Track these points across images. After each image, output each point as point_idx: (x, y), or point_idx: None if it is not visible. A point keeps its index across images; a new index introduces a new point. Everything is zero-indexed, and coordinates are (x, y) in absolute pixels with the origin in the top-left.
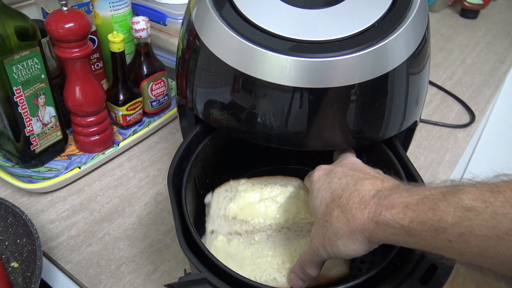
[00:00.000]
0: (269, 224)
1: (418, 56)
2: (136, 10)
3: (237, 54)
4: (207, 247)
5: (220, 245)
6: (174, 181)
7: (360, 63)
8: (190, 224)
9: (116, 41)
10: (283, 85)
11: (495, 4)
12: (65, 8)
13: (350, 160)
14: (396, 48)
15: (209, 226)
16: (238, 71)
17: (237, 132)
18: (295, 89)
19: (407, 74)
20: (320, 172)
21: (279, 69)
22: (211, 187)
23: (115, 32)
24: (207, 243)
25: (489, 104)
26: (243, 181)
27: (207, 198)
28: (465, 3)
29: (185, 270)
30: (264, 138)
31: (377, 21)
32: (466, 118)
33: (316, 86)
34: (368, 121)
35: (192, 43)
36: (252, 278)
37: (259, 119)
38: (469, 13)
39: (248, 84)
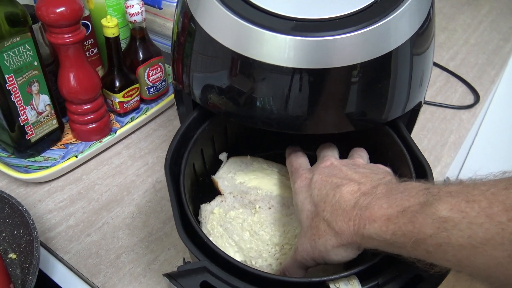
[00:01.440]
0: (275, 195)
1: (423, 35)
2: None
3: (234, 35)
4: (204, 222)
5: (217, 218)
6: (171, 168)
7: (362, 42)
8: (189, 211)
9: (110, 25)
10: (282, 66)
11: None
12: None
13: (327, 163)
14: (399, 25)
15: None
16: (235, 53)
17: (236, 117)
18: (294, 70)
19: (411, 54)
20: (301, 182)
21: (278, 50)
22: (211, 173)
23: (109, 17)
24: (203, 217)
25: (493, 84)
26: (259, 159)
27: (222, 156)
28: None
29: (184, 259)
30: (264, 122)
31: None
32: (470, 99)
33: (316, 66)
34: (371, 102)
35: (187, 26)
36: (248, 261)
37: (258, 103)
38: None
39: (246, 66)
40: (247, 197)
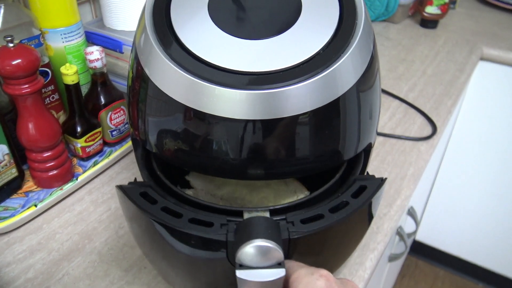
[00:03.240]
0: (237, 196)
1: (367, 76)
2: (91, 38)
3: (185, 90)
4: None
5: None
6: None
7: (310, 91)
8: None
9: (69, 73)
10: (235, 119)
11: (454, 13)
12: (11, 45)
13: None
14: (344, 72)
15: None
16: (187, 107)
17: (191, 167)
18: (247, 122)
19: (357, 95)
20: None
21: (229, 103)
22: None
23: (68, 64)
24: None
25: (450, 114)
26: None
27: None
28: (424, 14)
29: (135, 178)
30: (220, 172)
31: (322, 48)
32: (428, 130)
33: (267, 117)
34: (323, 147)
35: (140, 75)
36: None
37: (213, 155)
38: (429, 23)
39: (199, 120)
40: (215, 195)
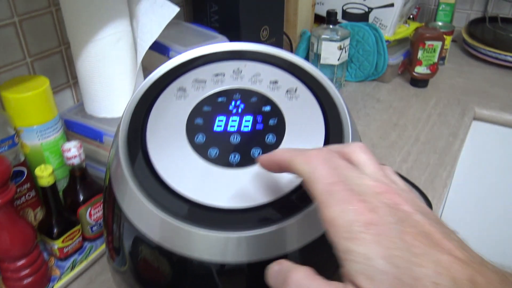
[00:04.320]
0: None
1: None
2: (71, 127)
3: (159, 228)
4: None
5: None
6: None
7: (297, 229)
8: None
9: (45, 175)
10: (216, 262)
11: (444, 68)
12: None
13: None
14: None
15: None
16: (160, 247)
17: None
18: (226, 265)
19: None
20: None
21: (209, 246)
22: None
23: (42, 166)
24: None
25: (446, 188)
26: None
27: None
28: (414, 74)
29: None
30: None
31: None
32: None
33: (250, 260)
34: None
35: (112, 198)
36: None
37: None
38: (419, 82)
39: (173, 261)
40: None
